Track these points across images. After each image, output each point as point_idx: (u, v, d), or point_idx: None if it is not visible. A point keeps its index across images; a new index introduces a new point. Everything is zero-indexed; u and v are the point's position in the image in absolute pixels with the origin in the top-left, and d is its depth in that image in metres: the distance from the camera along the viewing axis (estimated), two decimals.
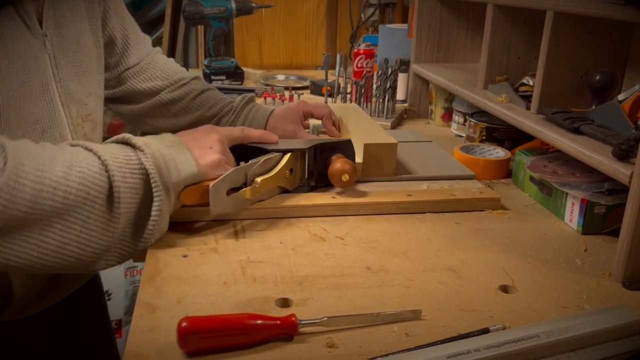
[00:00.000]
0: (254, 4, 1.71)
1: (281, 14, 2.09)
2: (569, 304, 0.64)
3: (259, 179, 0.79)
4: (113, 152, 0.67)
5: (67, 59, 0.80)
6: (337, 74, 1.46)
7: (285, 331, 0.57)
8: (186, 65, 2.13)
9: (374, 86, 1.35)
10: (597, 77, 0.90)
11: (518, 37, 1.11)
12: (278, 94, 1.52)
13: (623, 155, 0.72)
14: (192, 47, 2.14)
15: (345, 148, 0.89)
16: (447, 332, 0.58)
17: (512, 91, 1.04)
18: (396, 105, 1.40)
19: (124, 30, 0.97)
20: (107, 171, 0.65)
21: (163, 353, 0.54)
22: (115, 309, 1.84)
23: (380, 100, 1.33)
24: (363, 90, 1.35)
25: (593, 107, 0.90)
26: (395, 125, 1.34)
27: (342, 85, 1.44)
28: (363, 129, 1.01)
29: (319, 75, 1.88)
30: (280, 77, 1.88)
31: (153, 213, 0.68)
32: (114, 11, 0.93)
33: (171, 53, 2.00)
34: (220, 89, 1.60)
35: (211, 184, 0.73)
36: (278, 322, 0.56)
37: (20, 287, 0.77)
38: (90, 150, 0.66)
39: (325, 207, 0.84)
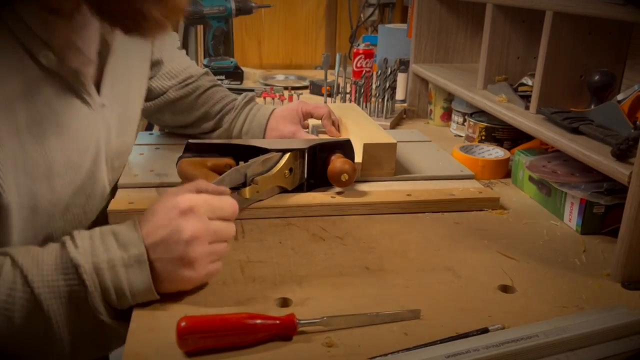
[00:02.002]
0: (253, 4, 1.71)
1: (281, 13, 2.09)
2: (567, 303, 0.65)
3: (258, 179, 0.79)
4: (43, 274, 0.57)
5: (117, 117, 0.81)
6: (336, 73, 1.46)
7: (285, 331, 0.57)
8: None
9: (374, 86, 1.35)
10: (596, 77, 0.90)
11: (517, 37, 1.11)
12: (277, 94, 1.52)
13: (622, 155, 0.72)
14: (191, 46, 2.13)
15: (344, 148, 0.89)
16: (446, 332, 0.58)
17: (511, 91, 1.04)
18: (395, 105, 1.40)
19: (161, 52, 1.01)
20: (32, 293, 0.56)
21: (162, 353, 0.54)
22: None
23: (380, 100, 1.33)
24: (362, 90, 1.35)
25: (592, 107, 0.90)
26: (394, 125, 1.34)
27: (341, 85, 1.44)
28: (362, 128, 1.01)
29: (318, 75, 1.88)
30: (280, 77, 1.88)
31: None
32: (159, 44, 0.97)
33: None
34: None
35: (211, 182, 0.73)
36: (277, 321, 0.56)
37: None
38: (16, 266, 0.58)
39: (325, 207, 0.84)
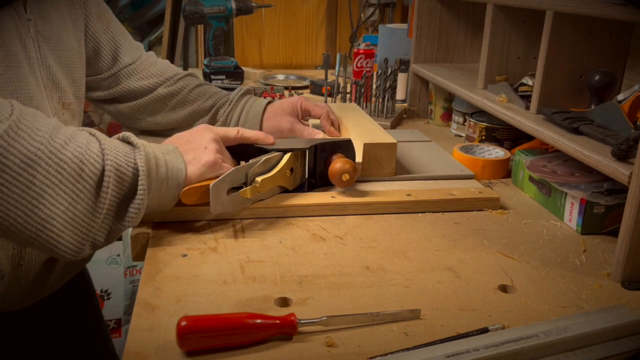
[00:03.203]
0: (254, 4, 1.71)
1: (281, 13, 2.09)
2: (568, 303, 0.65)
3: (259, 179, 0.79)
4: (113, 143, 0.69)
5: (49, 47, 0.81)
6: (336, 73, 1.46)
7: (285, 330, 0.57)
8: (186, 64, 2.13)
9: (374, 86, 1.35)
10: (597, 77, 0.90)
11: (518, 37, 1.11)
12: (278, 94, 1.52)
13: (622, 155, 0.72)
14: (192, 46, 2.14)
15: (345, 148, 0.89)
16: (446, 332, 0.58)
17: (511, 91, 1.04)
18: (396, 105, 1.40)
19: (111, 33, 0.99)
20: (103, 155, 0.66)
21: (162, 352, 0.54)
22: (114, 308, 1.84)
23: (380, 100, 1.33)
24: (363, 90, 1.35)
25: (592, 107, 0.90)
26: (394, 125, 1.34)
27: (341, 85, 1.44)
28: (363, 128, 1.01)
29: (318, 74, 1.88)
30: (280, 76, 1.88)
31: (131, 210, 0.68)
32: (96, 16, 0.95)
33: (171, 52, 2.00)
34: (219, 88, 1.60)
35: (211, 183, 0.73)
36: (277, 321, 0.56)
37: (7, 264, 0.76)
38: (94, 135, 0.68)
39: (325, 207, 0.84)
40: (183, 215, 0.79)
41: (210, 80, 1.69)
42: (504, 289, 0.67)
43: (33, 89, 0.76)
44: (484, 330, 0.58)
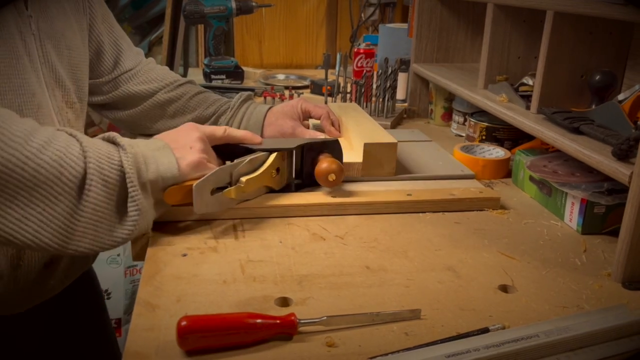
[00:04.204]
0: (254, 3, 1.71)
1: (281, 13, 2.09)
2: (568, 303, 0.64)
3: (243, 179, 0.78)
4: (96, 144, 0.67)
5: (52, 44, 0.80)
6: (337, 73, 1.46)
7: (285, 330, 0.57)
8: (186, 64, 2.13)
9: (374, 86, 1.35)
10: (597, 77, 0.90)
11: (518, 37, 1.11)
12: (278, 93, 1.52)
13: (623, 155, 0.72)
14: (192, 46, 2.14)
15: (332, 147, 0.89)
16: (446, 332, 0.58)
17: (512, 91, 1.04)
18: (396, 104, 1.40)
19: (114, 36, 0.99)
20: (84, 158, 0.64)
21: (162, 352, 0.54)
22: (114, 307, 1.84)
23: (380, 99, 1.33)
24: (363, 90, 1.35)
25: (593, 107, 0.90)
26: (395, 125, 1.34)
27: (342, 84, 1.44)
28: (363, 128, 1.01)
29: (319, 74, 1.88)
30: (280, 76, 1.88)
31: (130, 211, 0.67)
32: (101, 18, 0.95)
33: (171, 52, 2.00)
34: (220, 88, 1.61)
35: (194, 183, 0.73)
36: (277, 321, 0.56)
37: (5, 264, 0.76)
38: (74, 137, 0.66)
39: (325, 207, 0.84)
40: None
41: (211, 80, 1.69)
42: (504, 288, 0.67)
43: (34, 87, 0.76)
44: (485, 330, 0.58)
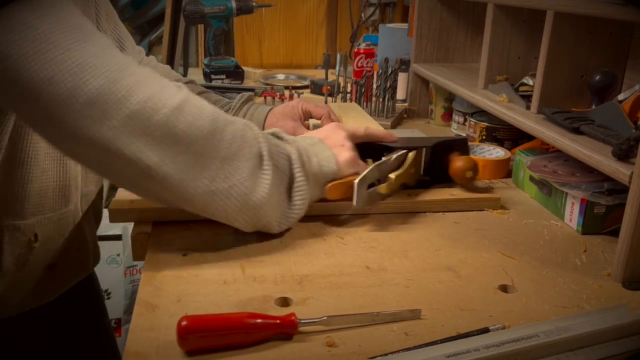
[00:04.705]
0: (254, 3, 1.71)
1: (281, 13, 2.09)
2: (568, 303, 0.64)
3: (392, 175, 0.81)
4: (265, 134, 0.72)
5: None
6: (337, 73, 1.45)
7: (285, 330, 0.57)
8: (186, 64, 2.13)
9: (374, 86, 1.35)
10: (597, 77, 0.90)
11: (518, 36, 1.11)
12: (278, 93, 1.52)
13: (623, 155, 0.72)
14: (192, 46, 2.13)
15: (461, 146, 0.92)
16: (446, 332, 0.58)
17: (512, 91, 1.04)
18: (396, 104, 1.40)
19: (118, 34, 0.99)
20: (259, 142, 0.69)
21: (163, 352, 0.54)
22: (114, 307, 1.84)
23: (381, 99, 1.33)
24: (363, 90, 1.35)
25: (593, 107, 0.90)
26: (395, 125, 1.34)
27: (342, 84, 1.44)
28: None
29: (319, 74, 1.88)
30: (280, 76, 1.88)
31: (296, 200, 0.72)
32: (105, 16, 0.95)
33: (171, 52, 2.00)
34: (220, 88, 1.61)
35: (356, 179, 0.76)
36: (278, 321, 0.56)
37: (11, 263, 0.76)
38: (246, 124, 0.70)
39: (325, 207, 0.84)
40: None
41: (211, 80, 1.69)
42: (504, 288, 0.67)
43: None
44: (485, 330, 0.58)
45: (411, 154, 0.86)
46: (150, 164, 0.60)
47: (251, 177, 0.67)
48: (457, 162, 0.88)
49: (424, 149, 0.89)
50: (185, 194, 0.64)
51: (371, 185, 0.80)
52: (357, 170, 0.79)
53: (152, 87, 0.60)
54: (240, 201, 0.67)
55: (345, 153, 0.79)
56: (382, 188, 0.81)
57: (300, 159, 0.72)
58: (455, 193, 0.89)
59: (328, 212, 0.83)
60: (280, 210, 0.72)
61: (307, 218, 0.82)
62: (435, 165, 0.91)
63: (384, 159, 0.83)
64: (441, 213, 0.87)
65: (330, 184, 0.77)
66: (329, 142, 0.79)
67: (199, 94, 1.06)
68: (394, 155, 0.84)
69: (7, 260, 0.75)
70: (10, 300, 0.79)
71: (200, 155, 0.63)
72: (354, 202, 0.77)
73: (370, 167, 0.80)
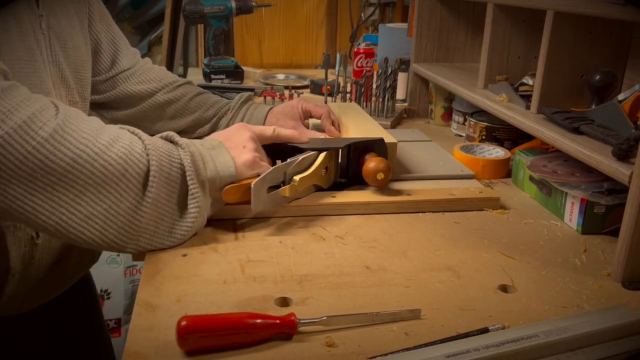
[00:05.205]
0: (254, 3, 1.71)
1: (281, 13, 2.09)
2: (568, 303, 0.64)
3: (297, 177, 0.80)
4: (156, 142, 0.69)
5: (59, 44, 0.81)
6: (337, 73, 1.45)
7: (285, 330, 0.57)
8: (186, 64, 2.13)
9: (374, 85, 1.35)
10: (597, 77, 0.90)
11: (518, 36, 1.11)
12: (278, 93, 1.52)
13: (623, 155, 0.72)
14: (192, 46, 2.13)
15: (377, 147, 0.90)
16: (446, 332, 0.58)
17: (512, 91, 1.04)
18: (396, 104, 1.40)
19: (111, 35, 0.99)
20: (147, 155, 0.66)
21: (162, 352, 0.54)
22: (114, 307, 1.84)
23: (380, 99, 1.33)
24: (363, 90, 1.35)
25: (593, 107, 0.90)
26: (395, 125, 1.34)
27: (342, 84, 1.44)
28: (363, 128, 1.01)
29: (318, 74, 1.88)
30: (280, 76, 1.88)
31: (190, 208, 0.70)
32: (99, 16, 0.95)
33: (171, 52, 2.00)
34: (219, 87, 1.60)
35: (253, 182, 0.74)
36: (277, 321, 0.56)
37: (18, 262, 0.77)
38: (136, 135, 0.68)
39: (325, 207, 0.84)
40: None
41: (210, 80, 1.69)
42: (504, 288, 0.67)
43: (48, 85, 0.77)
44: (484, 330, 0.58)
45: (321, 156, 0.84)
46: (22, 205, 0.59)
47: (133, 200, 0.65)
48: (369, 163, 0.85)
49: (340, 150, 0.87)
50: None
51: (276, 187, 0.79)
52: (259, 172, 0.77)
53: (23, 115, 0.58)
54: (119, 224, 0.65)
55: (245, 155, 0.77)
56: (285, 190, 0.79)
57: (195, 166, 0.70)
58: (456, 193, 0.89)
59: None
60: (170, 223, 0.70)
61: (307, 218, 0.83)
62: (352, 167, 0.89)
63: (289, 160, 0.81)
64: (441, 213, 0.87)
65: (226, 187, 0.74)
66: (230, 143, 0.77)
67: (197, 95, 1.06)
68: (301, 157, 0.82)
69: (14, 261, 0.76)
70: (18, 296, 0.80)
71: (74, 184, 0.61)
72: (252, 205, 0.75)
73: (270, 169, 0.77)
